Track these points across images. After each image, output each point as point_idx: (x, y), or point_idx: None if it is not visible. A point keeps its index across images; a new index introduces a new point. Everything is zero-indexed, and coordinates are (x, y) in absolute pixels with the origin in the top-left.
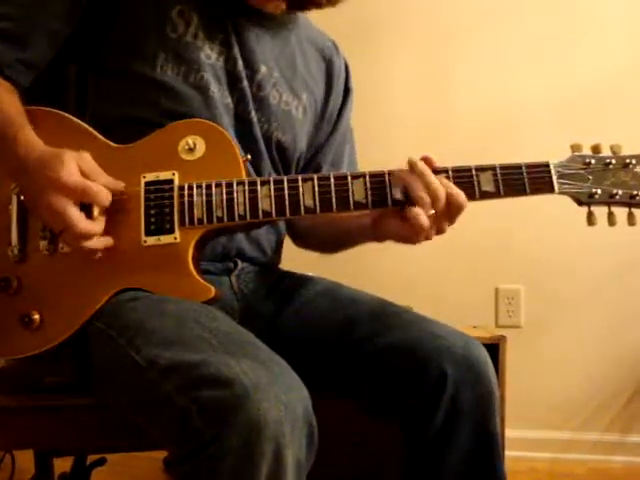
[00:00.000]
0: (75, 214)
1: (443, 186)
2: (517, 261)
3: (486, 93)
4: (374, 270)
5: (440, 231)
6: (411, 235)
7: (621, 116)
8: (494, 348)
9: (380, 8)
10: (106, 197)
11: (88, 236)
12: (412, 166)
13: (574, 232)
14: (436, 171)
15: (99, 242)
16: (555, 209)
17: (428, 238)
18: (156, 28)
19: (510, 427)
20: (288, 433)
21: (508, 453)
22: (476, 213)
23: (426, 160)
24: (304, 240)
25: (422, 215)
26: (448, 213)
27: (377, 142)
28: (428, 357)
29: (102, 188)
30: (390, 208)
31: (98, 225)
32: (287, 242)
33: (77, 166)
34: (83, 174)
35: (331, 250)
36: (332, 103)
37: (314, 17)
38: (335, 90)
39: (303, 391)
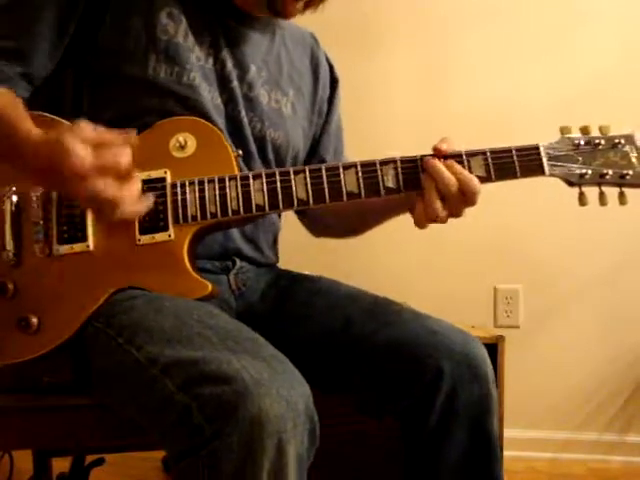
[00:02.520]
0: (107, 191)
1: (454, 174)
2: (516, 261)
3: (483, 92)
4: (372, 270)
5: (457, 215)
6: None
7: (619, 115)
8: (493, 348)
9: (377, 6)
10: (126, 158)
11: (127, 200)
12: (424, 166)
13: (573, 232)
14: (445, 157)
15: (138, 206)
16: (554, 209)
17: (442, 222)
18: (146, 30)
19: (509, 427)
20: (290, 429)
21: (507, 453)
22: (475, 212)
23: (436, 150)
24: (327, 225)
25: (430, 208)
26: (463, 199)
27: (374, 140)
28: (426, 353)
29: (116, 152)
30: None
31: (134, 185)
32: (285, 242)
33: (81, 144)
34: (92, 144)
35: (355, 232)
36: (320, 93)
37: (311, 16)
38: (321, 80)
39: (304, 387)
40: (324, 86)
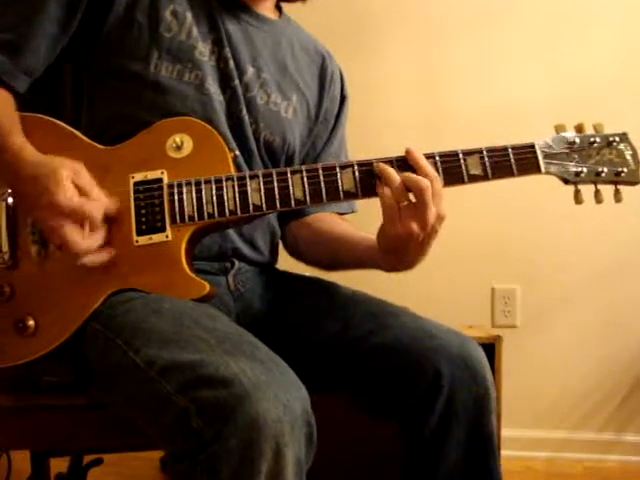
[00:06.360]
0: (72, 235)
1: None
2: (513, 261)
3: (483, 93)
4: (370, 270)
5: (431, 223)
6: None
7: (617, 116)
8: (490, 348)
9: (376, 6)
10: (100, 213)
11: (86, 252)
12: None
13: (570, 232)
14: (432, 156)
15: (98, 257)
16: (552, 208)
17: (412, 232)
18: (149, 28)
19: (506, 426)
20: (287, 432)
21: (504, 453)
22: (472, 213)
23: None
24: (301, 252)
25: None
26: (417, 200)
27: (373, 142)
28: (424, 356)
29: (95, 206)
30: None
31: (95, 240)
32: None
33: (72, 185)
34: (78, 190)
35: (326, 267)
36: (326, 106)
37: (309, 17)
38: (329, 94)
39: (302, 390)
40: (332, 100)
